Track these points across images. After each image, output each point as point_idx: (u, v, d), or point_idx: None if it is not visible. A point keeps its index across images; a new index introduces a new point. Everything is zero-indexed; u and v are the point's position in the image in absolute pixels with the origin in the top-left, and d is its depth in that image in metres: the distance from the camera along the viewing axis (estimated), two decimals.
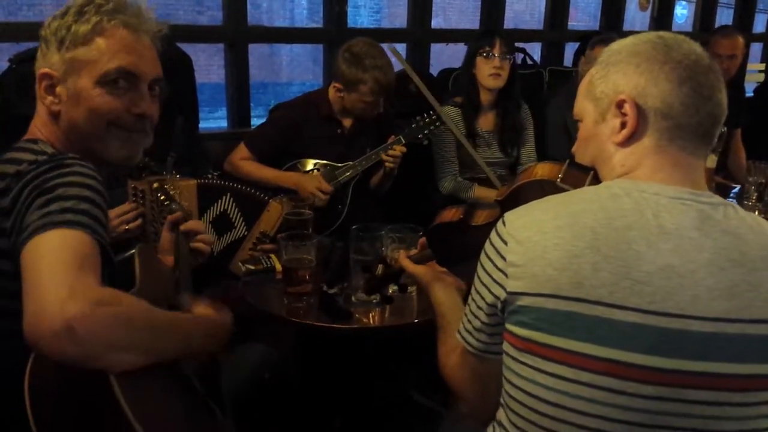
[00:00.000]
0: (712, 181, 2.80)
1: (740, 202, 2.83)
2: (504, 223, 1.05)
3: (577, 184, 1.41)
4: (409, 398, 2.58)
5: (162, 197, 1.76)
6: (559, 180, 1.47)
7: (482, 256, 1.07)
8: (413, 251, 1.60)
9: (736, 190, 3.22)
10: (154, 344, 1.09)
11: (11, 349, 1.07)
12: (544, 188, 1.46)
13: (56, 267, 1.01)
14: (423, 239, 1.61)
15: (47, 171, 1.15)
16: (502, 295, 1.01)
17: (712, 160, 2.76)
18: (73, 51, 1.27)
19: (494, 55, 2.93)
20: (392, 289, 1.76)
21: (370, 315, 1.89)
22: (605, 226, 0.96)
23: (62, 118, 1.30)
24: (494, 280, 1.03)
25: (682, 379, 0.93)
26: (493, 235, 1.06)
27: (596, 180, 1.20)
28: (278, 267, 2.05)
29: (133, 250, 1.34)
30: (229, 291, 2.15)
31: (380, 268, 1.64)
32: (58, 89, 1.29)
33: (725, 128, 2.78)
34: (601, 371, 0.94)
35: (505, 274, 1.00)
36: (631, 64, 1.05)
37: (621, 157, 1.07)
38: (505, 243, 1.02)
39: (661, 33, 1.08)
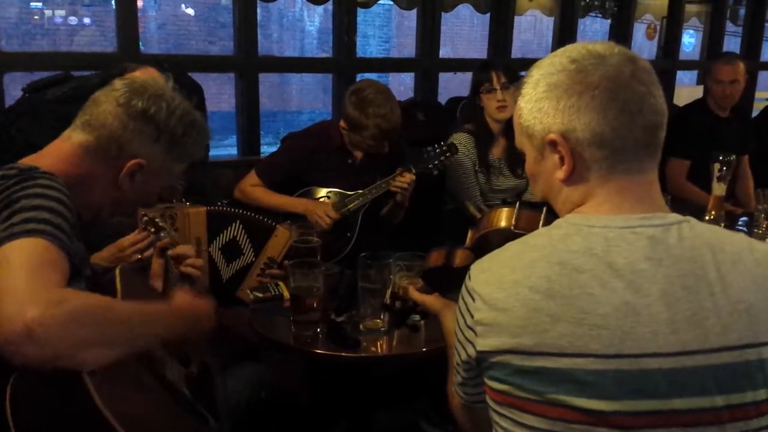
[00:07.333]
0: (721, 208, 2.78)
1: (750, 230, 2.81)
2: (470, 277, 1.03)
3: (532, 226, 1.42)
4: (417, 428, 2.56)
5: (152, 229, 1.79)
6: (513, 227, 1.49)
7: (456, 311, 1.06)
8: (419, 284, 1.60)
9: (744, 218, 3.20)
10: (119, 336, 1.10)
11: None
12: (505, 235, 1.48)
13: (14, 273, 1.03)
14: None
15: (14, 185, 1.18)
16: (473, 353, 1.00)
17: (721, 188, 2.75)
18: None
19: (496, 89, 2.92)
20: (414, 319, 1.76)
21: (378, 344, 1.88)
22: (558, 273, 0.94)
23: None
24: (466, 338, 1.02)
25: (653, 420, 0.90)
26: (463, 289, 1.04)
27: (550, 215, 1.17)
28: (286, 294, 2.05)
29: (116, 271, 1.34)
30: (236, 317, 2.14)
31: (397, 303, 1.66)
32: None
33: (734, 156, 2.78)
34: (574, 420, 0.92)
35: (475, 332, 0.99)
36: (552, 100, 1.00)
37: (567, 192, 1.04)
38: (473, 299, 1.00)
39: (573, 53, 1.01)
